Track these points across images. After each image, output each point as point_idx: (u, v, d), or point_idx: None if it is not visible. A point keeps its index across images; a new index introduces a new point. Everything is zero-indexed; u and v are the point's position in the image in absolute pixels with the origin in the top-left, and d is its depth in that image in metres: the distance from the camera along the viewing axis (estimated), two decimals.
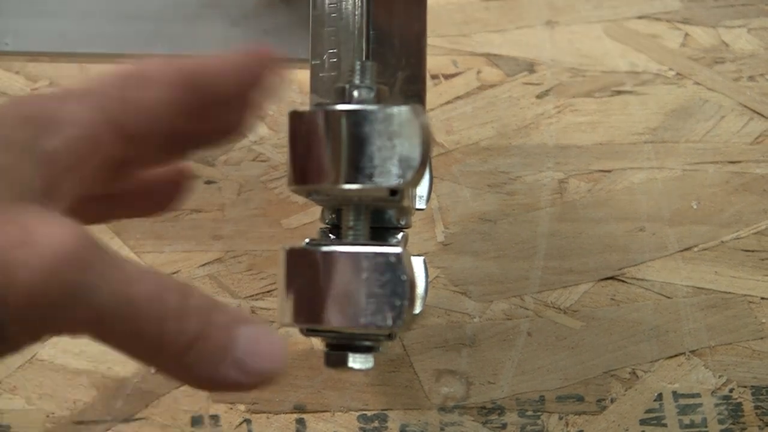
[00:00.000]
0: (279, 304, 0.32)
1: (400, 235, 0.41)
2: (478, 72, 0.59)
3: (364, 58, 0.38)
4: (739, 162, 0.55)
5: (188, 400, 0.47)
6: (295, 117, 0.32)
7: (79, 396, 0.47)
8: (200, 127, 0.31)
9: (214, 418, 0.47)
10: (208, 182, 0.54)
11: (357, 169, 0.30)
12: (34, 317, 0.24)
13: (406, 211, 0.41)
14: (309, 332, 0.32)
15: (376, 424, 0.47)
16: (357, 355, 0.33)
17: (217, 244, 0.52)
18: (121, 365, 0.48)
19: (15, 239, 0.23)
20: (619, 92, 0.58)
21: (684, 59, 0.59)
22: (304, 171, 0.31)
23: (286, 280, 0.32)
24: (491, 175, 0.55)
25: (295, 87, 0.57)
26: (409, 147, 0.30)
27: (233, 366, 0.26)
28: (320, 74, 0.39)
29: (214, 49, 0.46)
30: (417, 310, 0.49)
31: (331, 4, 0.39)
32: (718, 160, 0.55)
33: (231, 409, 0.47)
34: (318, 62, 0.39)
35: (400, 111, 0.30)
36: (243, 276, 0.51)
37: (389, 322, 0.30)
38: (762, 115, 0.57)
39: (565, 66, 0.59)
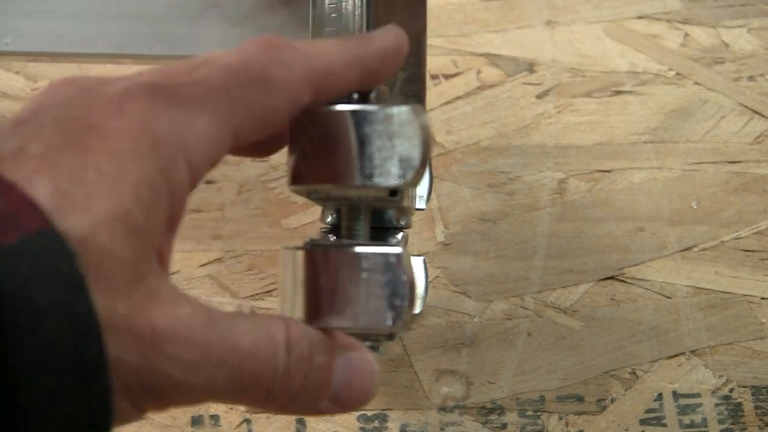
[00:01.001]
0: (279, 305, 0.32)
1: (400, 235, 0.41)
2: (478, 72, 0.59)
3: None
4: (739, 162, 0.55)
5: None
6: (295, 116, 0.32)
7: None
8: None
9: (214, 418, 0.47)
10: (208, 182, 0.54)
11: (357, 169, 0.30)
12: (149, 404, 0.25)
13: (406, 211, 0.41)
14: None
15: (376, 424, 0.47)
16: None
17: (217, 244, 0.52)
18: None
19: (145, 336, 0.24)
20: (619, 92, 0.58)
21: (684, 59, 0.59)
22: (304, 171, 0.31)
23: (286, 281, 0.32)
24: (491, 175, 0.55)
25: None
26: (409, 147, 0.30)
27: (330, 401, 0.28)
28: None
29: (214, 49, 0.46)
30: (417, 310, 0.49)
31: (331, 4, 0.39)
32: (718, 160, 0.55)
33: (231, 409, 0.47)
34: None
35: (400, 111, 0.30)
36: (243, 276, 0.51)
37: (389, 322, 0.30)
38: (762, 115, 0.57)
39: (565, 66, 0.59)
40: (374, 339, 0.33)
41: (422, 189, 0.45)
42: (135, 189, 0.24)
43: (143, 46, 0.46)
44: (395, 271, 0.30)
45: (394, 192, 0.31)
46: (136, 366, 0.24)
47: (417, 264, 0.49)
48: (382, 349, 0.34)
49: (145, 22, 0.47)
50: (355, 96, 0.33)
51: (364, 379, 0.28)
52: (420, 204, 0.45)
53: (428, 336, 0.49)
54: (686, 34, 0.61)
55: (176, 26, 0.47)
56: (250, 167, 0.55)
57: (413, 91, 0.40)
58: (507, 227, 0.53)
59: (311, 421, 0.47)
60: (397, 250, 0.30)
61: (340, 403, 0.28)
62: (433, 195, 0.54)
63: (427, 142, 0.30)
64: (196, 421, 0.47)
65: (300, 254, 0.31)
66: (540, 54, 0.60)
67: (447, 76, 0.59)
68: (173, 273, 0.51)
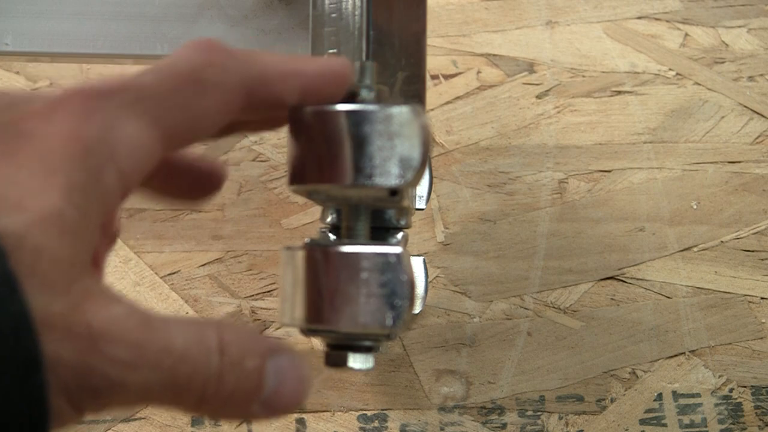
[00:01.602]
0: (279, 305, 0.32)
1: (400, 235, 0.41)
2: (478, 72, 0.59)
3: (364, 58, 0.38)
4: (739, 162, 0.55)
5: None
6: (295, 116, 0.32)
7: None
8: (248, 120, 0.30)
9: None
10: None
11: (357, 169, 0.30)
12: (83, 400, 0.25)
13: (406, 211, 0.41)
14: (309, 332, 0.33)
15: (376, 424, 0.47)
16: (357, 355, 0.33)
17: (217, 244, 0.52)
18: None
19: (82, 334, 0.24)
20: (619, 92, 0.58)
21: (684, 59, 0.59)
22: (304, 171, 0.31)
23: (286, 281, 0.32)
24: (491, 175, 0.55)
25: None
26: (409, 147, 0.30)
27: (261, 406, 0.28)
28: None
29: None
30: (417, 310, 0.49)
31: (331, 4, 0.39)
32: (717, 160, 0.55)
33: None
34: None
35: (400, 111, 0.30)
36: (243, 276, 0.51)
37: (389, 322, 0.30)
38: (762, 115, 0.57)
39: (565, 66, 0.59)
40: (374, 339, 0.33)
41: (422, 189, 0.45)
42: (67, 191, 0.24)
43: (143, 46, 0.46)
44: (395, 271, 0.30)
45: (394, 192, 0.31)
46: (74, 364, 0.24)
47: (417, 264, 0.49)
48: (382, 349, 0.34)
49: (144, 22, 0.47)
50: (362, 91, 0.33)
51: (294, 383, 0.28)
52: (420, 204, 0.45)
53: (428, 336, 0.49)
54: (686, 34, 0.61)
55: (176, 26, 0.47)
56: (250, 167, 0.55)
57: (413, 91, 0.40)
58: (507, 227, 0.53)
59: (311, 422, 0.47)
60: (397, 250, 0.30)
61: (271, 407, 0.28)
62: (433, 195, 0.54)
63: (427, 142, 0.30)
64: (197, 421, 0.47)
65: (300, 254, 0.31)
66: (540, 54, 0.60)
67: (447, 76, 0.59)
68: (173, 273, 0.51)
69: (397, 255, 0.30)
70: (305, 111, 0.31)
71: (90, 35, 0.46)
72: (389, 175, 0.30)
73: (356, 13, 0.39)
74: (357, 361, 0.33)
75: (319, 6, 0.39)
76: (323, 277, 0.30)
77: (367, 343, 0.33)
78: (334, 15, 0.39)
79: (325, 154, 0.31)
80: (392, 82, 0.40)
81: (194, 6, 0.47)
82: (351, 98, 0.32)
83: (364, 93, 0.32)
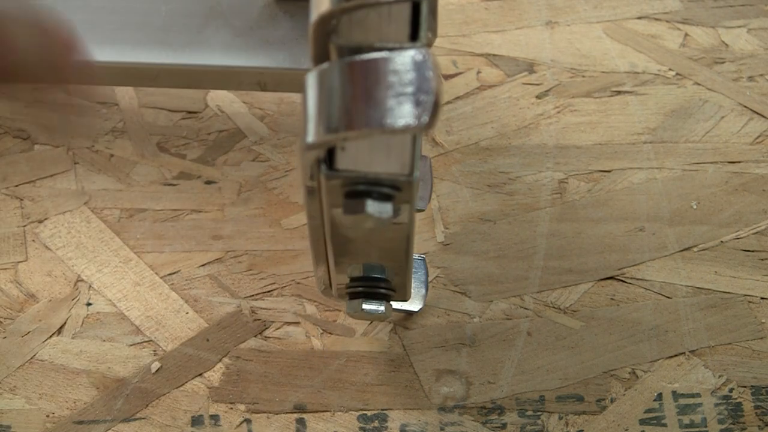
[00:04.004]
0: (303, 125, 0.32)
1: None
2: (478, 72, 0.59)
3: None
4: (739, 162, 0.55)
5: (188, 400, 0.47)
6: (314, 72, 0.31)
7: (79, 396, 0.47)
8: None
9: (214, 418, 0.47)
10: (208, 182, 0.54)
11: (374, 114, 0.30)
12: None
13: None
14: (330, 171, 0.32)
15: (376, 424, 0.47)
16: (375, 203, 0.33)
17: (217, 244, 0.52)
18: (121, 365, 0.48)
19: None
20: (619, 92, 0.58)
21: (684, 59, 0.60)
22: (321, 125, 0.31)
23: (310, 100, 0.31)
24: (491, 175, 0.55)
25: None
26: (424, 89, 0.30)
27: None
28: None
29: (218, 59, 0.47)
30: (417, 308, 0.49)
31: None
32: (717, 160, 0.55)
33: (231, 409, 0.47)
34: None
35: (410, 54, 0.30)
36: (243, 276, 0.51)
37: (416, 120, 0.29)
38: (762, 115, 0.57)
39: (565, 66, 0.59)
40: (392, 186, 0.32)
41: (423, 189, 0.45)
42: None
43: (147, 56, 0.46)
44: (420, 70, 0.29)
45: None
46: None
47: (417, 263, 0.49)
48: (399, 215, 0.34)
49: (149, 31, 0.47)
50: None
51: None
52: (420, 204, 0.45)
53: (428, 336, 0.49)
54: (686, 34, 0.61)
55: (180, 36, 0.47)
56: (250, 167, 0.55)
57: None
58: (507, 227, 0.53)
59: (311, 422, 0.47)
60: (423, 50, 0.30)
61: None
62: (433, 195, 0.54)
63: (439, 84, 0.30)
64: (196, 421, 0.47)
65: (330, 68, 0.31)
66: (540, 54, 0.60)
67: (447, 76, 0.59)
68: (173, 273, 0.51)
69: (423, 54, 0.30)
70: (321, 69, 0.31)
71: (93, 44, 0.46)
72: (406, 116, 0.30)
73: None
74: (374, 208, 0.33)
75: None
76: (347, 86, 0.30)
77: (386, 191, 0.32)
78: None
79: (345, 103, 0.30)
80: None
81: (200, 17, 0.47)
82: (362, 49, 0.32)
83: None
